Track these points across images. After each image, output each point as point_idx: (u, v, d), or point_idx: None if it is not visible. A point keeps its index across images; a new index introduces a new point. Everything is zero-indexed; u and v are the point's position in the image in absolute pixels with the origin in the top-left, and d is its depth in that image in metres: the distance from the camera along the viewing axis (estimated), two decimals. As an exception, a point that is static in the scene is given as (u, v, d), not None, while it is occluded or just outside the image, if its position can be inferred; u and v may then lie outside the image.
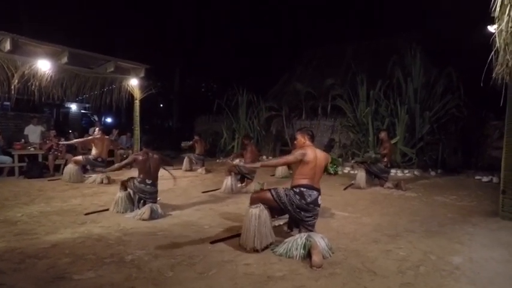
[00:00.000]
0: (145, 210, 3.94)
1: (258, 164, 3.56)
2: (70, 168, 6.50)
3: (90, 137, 6.83)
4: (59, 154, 7.46)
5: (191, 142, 8.85)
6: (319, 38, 16.32)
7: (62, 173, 7.38)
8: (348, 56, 12.96)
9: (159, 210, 4.06)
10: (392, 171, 8.20)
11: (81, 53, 6.98)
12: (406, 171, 8.13)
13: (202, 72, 19.43)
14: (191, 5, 17.08)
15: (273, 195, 2.99)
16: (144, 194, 4.11)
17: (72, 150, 8.14)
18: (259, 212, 2.97)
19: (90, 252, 2.83)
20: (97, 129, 6.93)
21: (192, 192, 5.67)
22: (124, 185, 4.29)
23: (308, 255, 2.74)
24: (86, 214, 4.07)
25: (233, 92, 12.02)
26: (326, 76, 11.19)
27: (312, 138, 3.18)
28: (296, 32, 18.70)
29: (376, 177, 6.34)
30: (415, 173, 8.00)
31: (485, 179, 7.13)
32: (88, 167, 7.27)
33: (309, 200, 2.92)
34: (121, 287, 2.25)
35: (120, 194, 4.26)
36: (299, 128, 3.40)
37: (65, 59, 6.67)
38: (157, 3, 16.61)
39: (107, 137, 7.17)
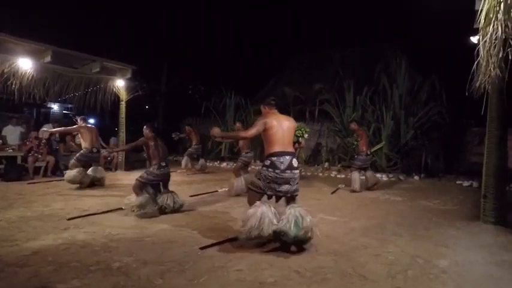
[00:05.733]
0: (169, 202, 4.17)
1: (221, 134, 3.30)
2: (74, 172, 5.87)
3: (74, 126, 6.29)
4: (40, 156, 7.18)
5: (183, 134, 8.74)
6: (306, 44, 16.56)
7: (42, 176, 7.13)
8: (335, 63, 13.17)
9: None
10: (378, 175, 8.37)
11: (65, 52, 6.79)
12: (391, 175, 8.31)
13: (189, 74, 19.26)
14: (180, 7, 16.97)
15: (252, 189, 3.02)
16: (161, 178, 4.25)
17: (54, 151, 7.86)
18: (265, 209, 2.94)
19: (74, 260, 2.72)
20: (79, 118, 6.37)
21: (179, 196, 5.56)
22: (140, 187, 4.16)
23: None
24: (69, 219, 3.92)
25: (221, 95, 11.97)
26: (314, 81, 11.34)
27: (274, 106, 3.16)
28: (284, 37, 18.91)
29: (362, 170, 6.40)
30: (400, 177, 8.19)
31: (465, 183, 7.37)
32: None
33: (282, 167, 2.88)
34: (108, 295, 2.17)
35: (141, 198, 4.10)
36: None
37: (48, 58, 6.48)
38: (146, 5, 16.40)
39: (93, 126, 6.63)
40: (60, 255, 2.82)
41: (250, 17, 18.14)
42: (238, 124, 6.59)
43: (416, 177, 8.22)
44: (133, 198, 4.15)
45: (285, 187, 2.97)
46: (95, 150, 6.18)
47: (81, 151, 6.14)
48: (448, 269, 2.73)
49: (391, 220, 4.29)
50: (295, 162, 2.98)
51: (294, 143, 3.18)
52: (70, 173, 5.90)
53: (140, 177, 4.19)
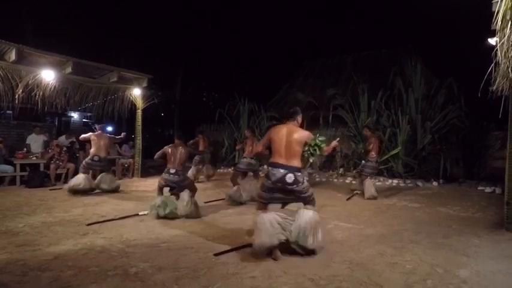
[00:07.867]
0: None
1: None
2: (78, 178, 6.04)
3: (89, 133, 6.50)
4: (61, 163, 7.45)
5: (194, 140, 8.83)
6: (319, 49, 16.53)
7: (63, 182, 7.37)
8: (348, 67, 13.08)
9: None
10: (394, 181, 8.21)
11: (85, 63, 7.06)
12: (408, 181, 8.11)
13: (203, 81, 19.59)
14: (193, 17, 17.32)
15: (257, 199, 3.13)
16: (169, 183, 4.54)
17: (74, 159, 8.13)
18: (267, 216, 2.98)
19: (93, 265, 2.80)
20: (98, 126, 6.66)
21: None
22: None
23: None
24: (88, 225, 4.04)
25: (234, 102, 12.08)
26: (327, 86, 11.29)
27: (286, 118, 3.18)
28: (296, 42, 18.93)
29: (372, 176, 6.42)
30: (417, 183, 7.98)
31: (488, 189, 7.10)
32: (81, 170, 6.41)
33: (273, 178, 2.87)
34: (125, 300, 2.22)
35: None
36: None
37: (69, 69, 6.75)
38: (160, 15, 16.83)
39: (106, 135, 6.73)
40: (80, 260, 2.91)
41: (263, 23, 18.25)
42: (246, 131, 6.55)
43: (434, 183, 7.99)
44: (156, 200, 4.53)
45: (278, 195, 2.97)
46: (96, 158, 6.18)
47: (85, 159, 6.35)
48: (469, 279, 2.64)
49: (408, 227, 4.19)
50: (289, 178, 2.81)
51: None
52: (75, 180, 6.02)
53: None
